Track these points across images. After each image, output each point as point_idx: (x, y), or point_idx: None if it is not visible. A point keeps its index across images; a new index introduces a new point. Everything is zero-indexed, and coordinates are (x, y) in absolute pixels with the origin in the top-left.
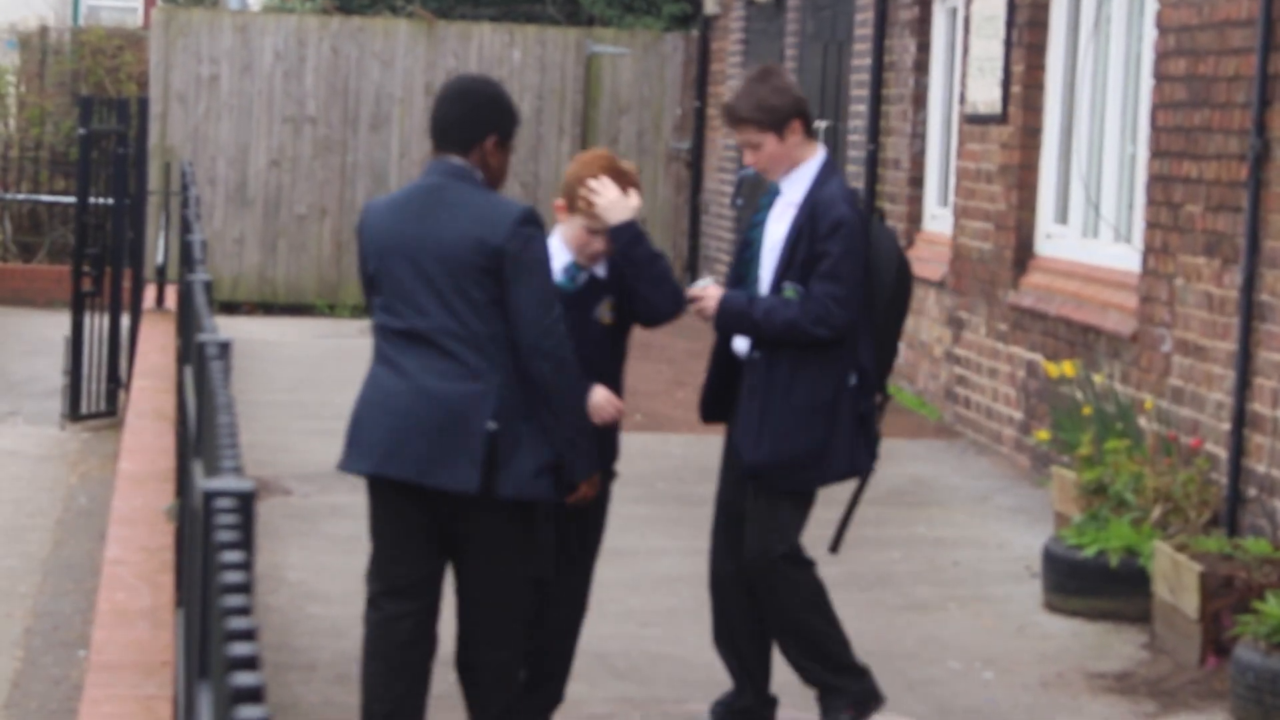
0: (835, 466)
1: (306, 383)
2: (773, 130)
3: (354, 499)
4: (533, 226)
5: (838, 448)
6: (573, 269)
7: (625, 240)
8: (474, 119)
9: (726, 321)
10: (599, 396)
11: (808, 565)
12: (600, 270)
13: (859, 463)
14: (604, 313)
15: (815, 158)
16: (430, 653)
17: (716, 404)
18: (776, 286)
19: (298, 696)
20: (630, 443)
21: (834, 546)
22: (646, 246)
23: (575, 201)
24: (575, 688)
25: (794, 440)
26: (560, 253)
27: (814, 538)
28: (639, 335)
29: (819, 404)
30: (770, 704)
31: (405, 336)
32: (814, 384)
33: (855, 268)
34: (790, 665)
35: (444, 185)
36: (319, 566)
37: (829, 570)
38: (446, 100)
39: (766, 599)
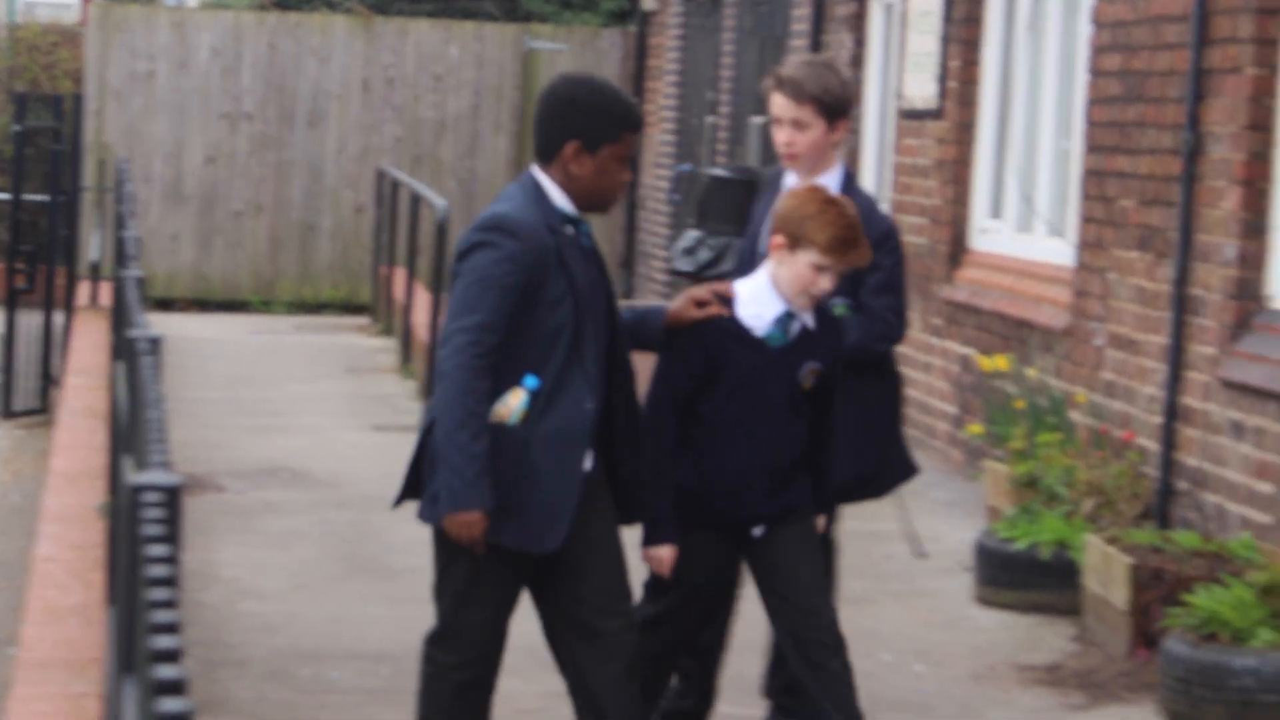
0: (900, 470)
1: (243, 380)
2: (827, 118)
3: (288, 495)
4: (486, 233)
5: (899, 451)
6: (785, 319)
7: None
8: (549, 125)
9: None
10: (663, 552)
11: None
12: (809, 319)
13: (911, 464)
14: (807, 378)
15: (838, 166)
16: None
17: None
18: None
19: (229, 693)
20: None
21: (922, 552)
22: None
23: (802, 239)
24: (507, 683)
25: (870, 453)
26: (771, 299)
27: None
28: None
29: (880, 413)
30: (709, 699)
31: None
32: (872, 395)
33: (904, 276)
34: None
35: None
36: (253, 563)
37: None
38: (535, 105)
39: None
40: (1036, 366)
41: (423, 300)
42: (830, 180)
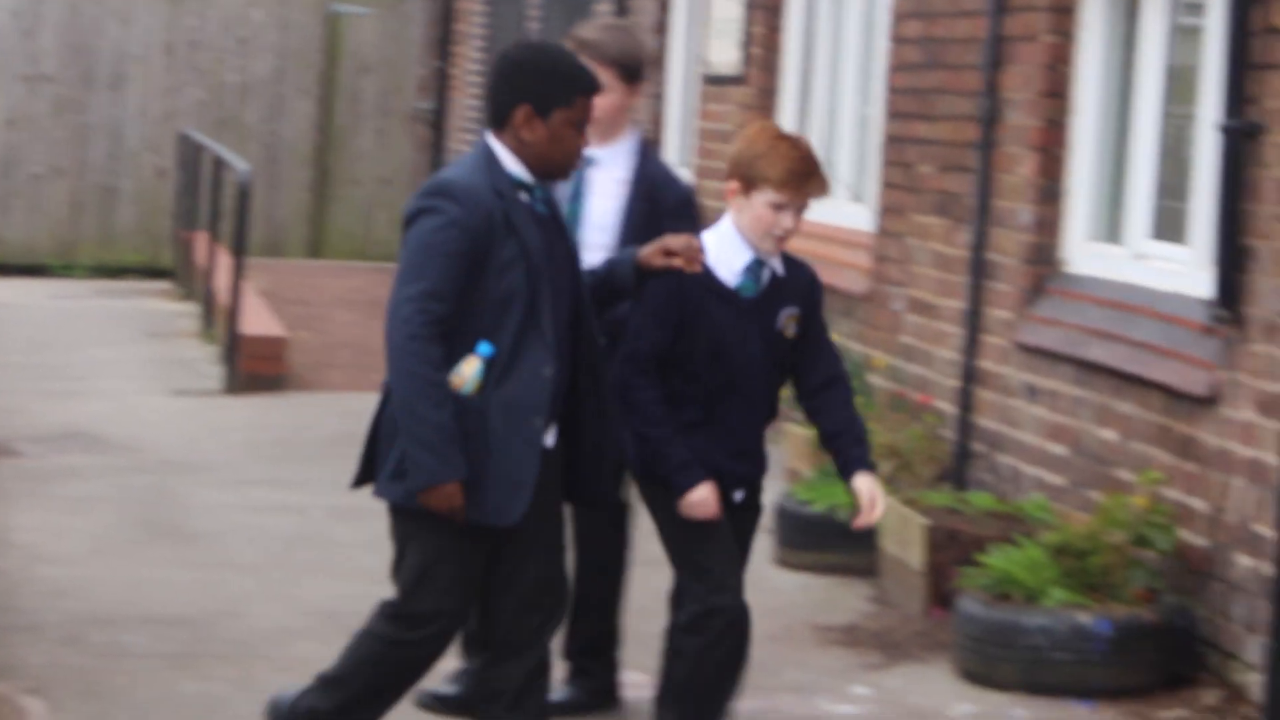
0: None
1: (42, 344)
2: (626, 82)
3: (88, 460)
4: (429, 199)
5: None
6: (755, 266)
7: None
8: (499, 91)
9: None
10: (702, 493)
11: None
12: (778, 266)
13: None
14: (788, 324)
15: (632, 133)
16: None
17: None
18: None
19: (20, 659)
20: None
21: None
22: None
23: (755, 180)
24: (307, 646)
25: None
26: (737, 248)
27: None
28: None
29: None
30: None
31: None
32: None
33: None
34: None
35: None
36: (49, 528)
37: None
38: (487, 72)
39: None
40: (837, 331)
41: (224, 264)
42: (626, 150)
